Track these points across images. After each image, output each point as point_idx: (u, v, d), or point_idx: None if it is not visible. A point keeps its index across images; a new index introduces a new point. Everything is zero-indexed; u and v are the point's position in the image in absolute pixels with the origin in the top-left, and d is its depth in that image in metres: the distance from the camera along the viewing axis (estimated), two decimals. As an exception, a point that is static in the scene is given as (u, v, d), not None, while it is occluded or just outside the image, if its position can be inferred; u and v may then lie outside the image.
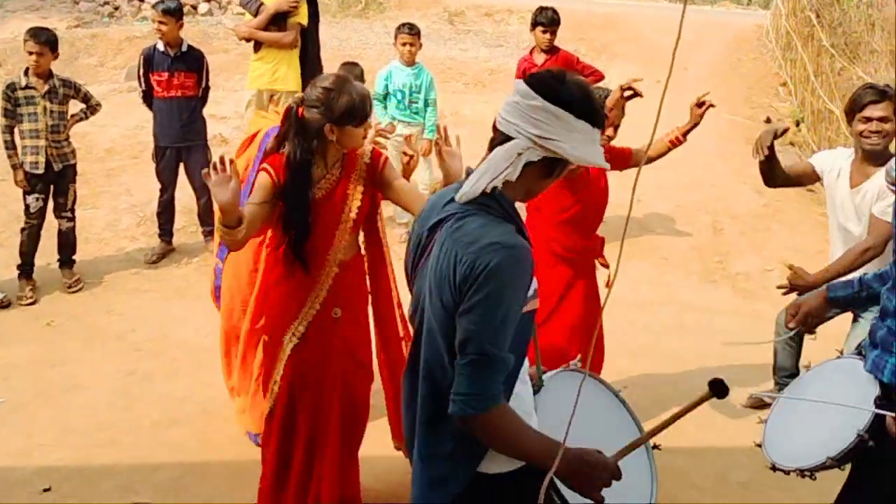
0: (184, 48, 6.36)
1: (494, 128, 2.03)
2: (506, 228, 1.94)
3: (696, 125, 4.00)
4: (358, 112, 3.08)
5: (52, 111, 5.78)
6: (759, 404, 4.56)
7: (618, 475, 1.96)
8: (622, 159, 4.06)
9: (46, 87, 5.75)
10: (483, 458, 2.03)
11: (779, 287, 3.85)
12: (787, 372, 4.54)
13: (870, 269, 3.75)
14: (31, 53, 5.68)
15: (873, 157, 3.88)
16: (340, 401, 3.34)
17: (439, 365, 1.98)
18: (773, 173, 4.10)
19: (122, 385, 4.81)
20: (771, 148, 3.97)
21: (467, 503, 2.04)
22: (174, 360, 5.10)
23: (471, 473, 2.03)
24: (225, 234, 2.80)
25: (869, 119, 3.83)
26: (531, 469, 2.04)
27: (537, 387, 2.22)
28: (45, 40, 5.71)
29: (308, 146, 3.07)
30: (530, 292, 1.96)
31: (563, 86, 1.94)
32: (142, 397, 4.68)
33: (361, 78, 6.47)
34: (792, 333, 4.17)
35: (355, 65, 6.51)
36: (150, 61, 6.32)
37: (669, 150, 4.10)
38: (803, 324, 2.77)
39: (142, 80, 6.41)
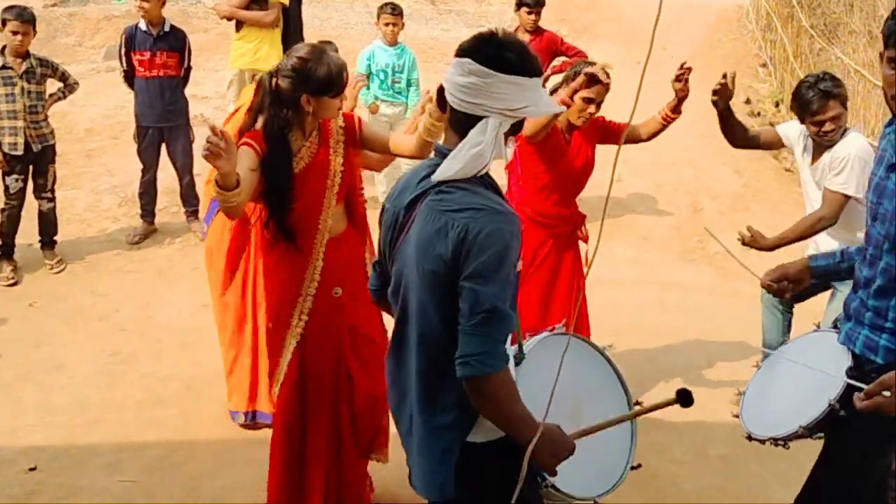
0: (166, 28, 6.30)
1: (446, 103, 2.07)
2: (490, 195, 2.00)
3: (682, 98, 3.97)
4: (335, 83, 3.06)
5: (29, 91, 5.73)
6: None
7: (572, 453, 2.06)
8: (617, 134, 4.11)
9: (24, 67, 5.69)
10: (473, 427, 2.08)
11: (740, 240, 3.91)
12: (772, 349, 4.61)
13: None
14: (14, 33, 5.60)
15: (827, 147, 3.98)
16: (351, 388, 3.29)
17: (435, 337, 2.01)
18: (731, 128, 4.14)
19: (106, 365, 4.82)
20: (723, 96, 3.96)
21: (457, 471, 2.09)
22: (158, 341, 5.11)
23: (463, 442, 2.08)
24: (222, 197, 2.75)
25: (822, 122, 3.88)
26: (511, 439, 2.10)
27: (518, 358, 2.26)
28: (28, 19, 5.65)
29: (284, 116, 3.04)
30: None
31: (505, 51, 1.98)
32: (126, 377, 4.70)
33: None
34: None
35: (330, 43, 6.49)
36: (132, 40, 6.25)
37: (663, 127, 4.10)
38: (777, 282, 2.81)
39: (123, 59, 6.33)
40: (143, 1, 6.13)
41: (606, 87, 3.87)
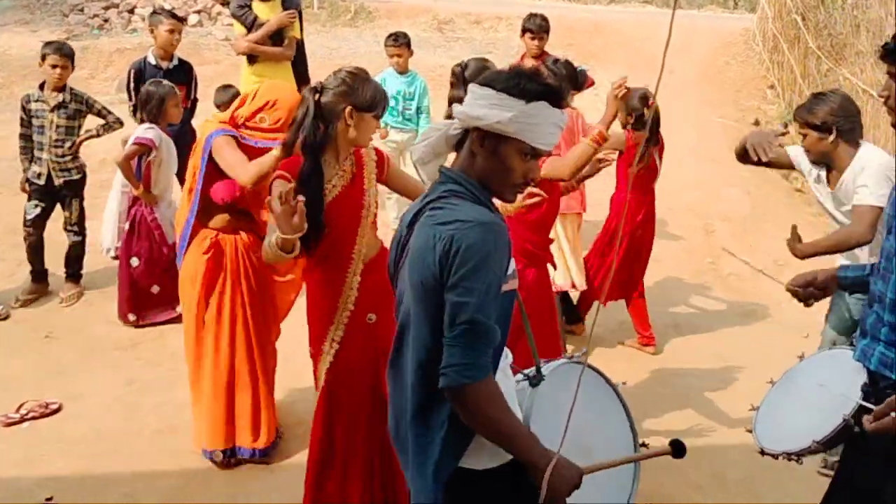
0: (175, 61, 6.35)
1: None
2: (479, 208, 2.04)
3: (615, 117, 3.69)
4: (380, 102, 3.13)
5: (58, 126, 5.78)
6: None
7: (579, 483, 2.05)
8: None
9: (56, 101, 5.74)
10: (470, 443, 2.08)
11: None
12: None
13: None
14: (54, 67, 5.65)
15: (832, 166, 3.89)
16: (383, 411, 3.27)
17: (427, 350, 2.03)
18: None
19: (122, 394, 4.83)
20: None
21: (456, 498, 2.10)
22: (173, 370, 5.10)
23: (459, 458, 2.08)
24: (279, 258, 2.82)
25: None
26: (516, 466, 2.08)
27: (536, 379, 2.26)
28: (67, 53, 5.72)
29: (324, 131, 3.05)
30: (509, 271, 2.04)
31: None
32: (142, 406, 4.71)
33: None
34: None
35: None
36: (141, 74, 6.23)
37: (596, 151, 3.66)
38: (804, 288, 2.80)
39: (132, 94, 6.28)
40: (171, 31, 6.14)
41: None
